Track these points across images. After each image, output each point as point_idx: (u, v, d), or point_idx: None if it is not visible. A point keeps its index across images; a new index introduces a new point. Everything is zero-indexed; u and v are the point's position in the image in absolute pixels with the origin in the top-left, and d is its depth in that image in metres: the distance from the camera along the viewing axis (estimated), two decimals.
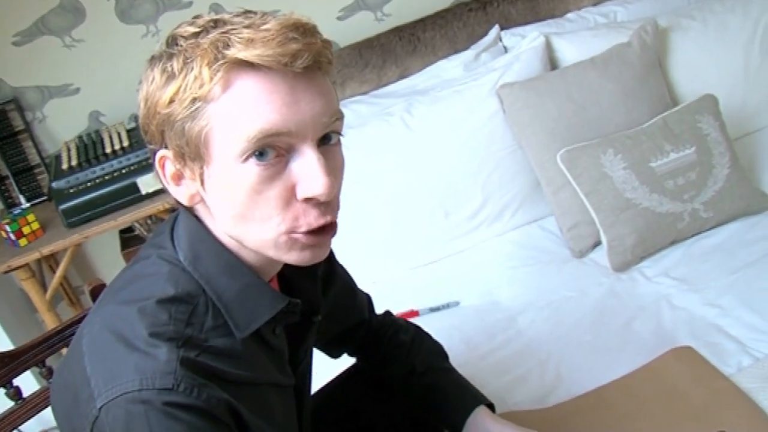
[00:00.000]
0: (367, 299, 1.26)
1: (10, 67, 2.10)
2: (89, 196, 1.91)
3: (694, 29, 2.10)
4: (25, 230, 1.92)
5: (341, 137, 0.80)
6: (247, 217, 0.76)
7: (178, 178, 0.79)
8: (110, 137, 2.05)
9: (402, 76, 2.20)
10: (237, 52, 0.70)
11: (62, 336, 1.19)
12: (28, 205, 2.12)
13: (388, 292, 1.67)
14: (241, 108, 0.72)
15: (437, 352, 1.25)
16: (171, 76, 0.73)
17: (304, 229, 0.76)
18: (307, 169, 0.74)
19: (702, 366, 1.36)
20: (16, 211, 2.00)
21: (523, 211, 1.98)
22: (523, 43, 2.10)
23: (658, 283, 1.65)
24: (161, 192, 1.94)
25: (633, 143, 1.76)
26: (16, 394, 1.19)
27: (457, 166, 1.92)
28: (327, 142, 0.77)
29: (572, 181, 1.76)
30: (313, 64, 0.73)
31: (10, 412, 1.18)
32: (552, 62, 2.10)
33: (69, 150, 2.03)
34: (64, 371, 0.82)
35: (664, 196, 1.73)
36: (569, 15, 2.30)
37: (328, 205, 0.78)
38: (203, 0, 2.18)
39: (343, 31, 2.27)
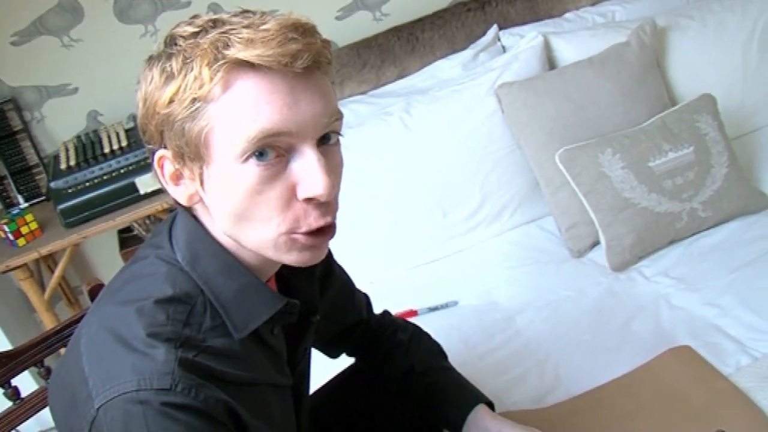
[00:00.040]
0: (366, 299, 1.26)
1: (8, 66, 2.10)
2: (88, 196, 1.91)
3: (692, 29, 2.10)
4: (24, 230, 1.92)
5: (340, 137, 0.80)
6: (246, 218, 0.76)
7: (177, 178, 0.79)
8: (108, 137, 2.04)
9: (400, 76, 2.20)
10: (237, 52, 0.70)
11: (61, 336, 1.19)
12: (26, 205, 2.12)
13: (386, 292, 1.67)
14: (242, 108, 0.72)
15: (436, 351, 1.25)
16: (170, 76, 0.73)
17: (304, 229, 0.76)
18: (307, 169, 0.74)
19: (700, 365, 1.36)
20: (15, 211, 2.00)
21: (522, 210, 1.98)
22: (522, 43, 2.10)
23: (657, 282, 1.65)
24: (160, 192, 1.94)
25: (631, 143, 1.76)
26: (14, 394, 1.19)
27: (455, 165, 1.92)
28: (326, 142, 0.77)
29: (571, 180, 1.76)
30: (312, 64, 0.73)
31: (8, 413, 1.17)
32: (550, 62, 2.09)
33: (67, 150, 2.03)
34: (62, 371, 0.82)
35: (663, 196, 1.73)
36: (568, 15, 2.30)
37: (328, 205, 0.78)
38: (201, 0, 2.18)
39: (341, 30, 2.27)
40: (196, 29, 0.74)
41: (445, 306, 1.75)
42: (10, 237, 1.90)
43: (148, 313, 0.76)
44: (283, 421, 0.91)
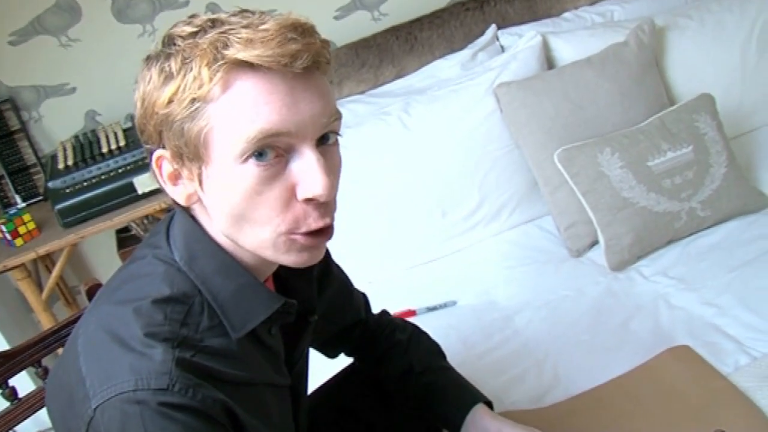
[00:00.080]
0: (364, 299, 1.26)
1: (6, 66, 2.10)
2: (85, 196, 1.91)
3: (691, 28, 2.10)
4: (21, 230, 1.92)
5: (339, 137, 0.80)
6: (245, 218, 0.76)
7: (176, 177, 0.79)
8: (106, 137, 2.04)
9: (399, 76, 2.20)
10: (236, 52, 0.70)
11: (58, 336, 1.18)
12: (24, 204, 2.12)
13: (385, 292, 1.67)
14: (241, 108, 0.71)
15: (435, 351, 1.25)
16: (169, 76, 0.73)
17: (303, 230, 0.76)
18: (306, 170, 0.74)
19: (699, 365, 1.36)
20: (12, 210, 2.00)
21: (520, 210, 1.98)
22: (520, 43, 2.10)
23: (656, 282, 1.65)
24: (158, 192, 1.93)
25: (630, 142, 1.76)
26: (11, 394, 1.19)
27: (454, 165, 1.92)
28: (325, 142, 0.77)
29: (569, 180, 1.76)
30: (312, 64, 0.73)
31: (5, 413, 1.17)
32: (549, 61, 2.09)
33: (65, 150, 2.03)
34: (59, 371, 0.82)
35: (662, 195, 1.73)
36: (566, 14, 2.30)
37: (327, 206, 0.78)
38: None
39: (339, 30, 2.27)
40: (195, 29, 0.74)
41: (444, 306, 1.75)
42: (8, 237, 1.90)
43: (145, 313, 0.76)
44: (281, 421, 0.91)
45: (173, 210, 0.86)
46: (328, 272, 1.12)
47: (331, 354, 1.26)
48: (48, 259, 2.23)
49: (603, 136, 1.80)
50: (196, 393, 0.72)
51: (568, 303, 1.66)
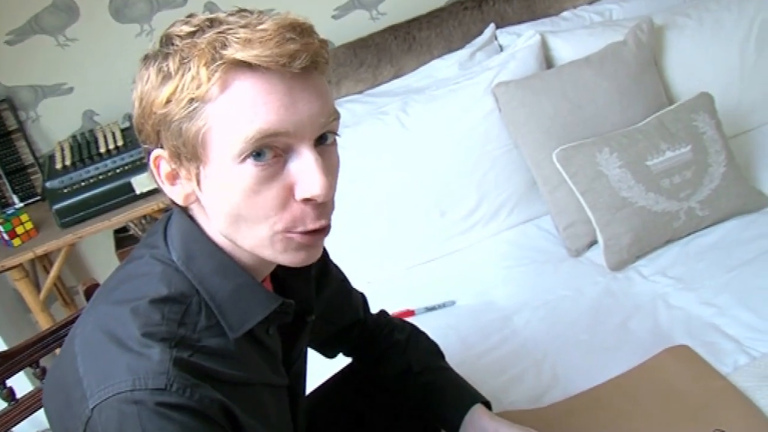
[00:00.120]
0: (362, 299, 1.25)
1: (3, 66, 2.09)
2: (83, 196, 1.90)
3: (689, 27, 2.10)
4: (19, 230, 1.91)
5: (337, 137, 0.80)
6: (243, 218, 0.76)
7: (173, 177, 0.79)
8: (104, 137, 2.04)
9: (397, 75, 2.20)
10: (235, 52, 0.70)
11: (56, 336, 1.18)
12: (21, 205, 2.11)
13: (383, 292, 1.67)
14: (239, 109, 0.71)
15: (433, 351, 1.25)
16: (167, 76, 0.73)
17: (299, 229, 0.76)
18: (305, 170, 0.74)
19: (698, 365, 1.36)
20: (10, 211, 1.99)
21: (519, 210, 1.97)
22: (519, 42, 2.10)
23: (655, 282, 1.65)
24: (156, 192, 1.93)
25: (629, 142, 1.76)
26: (9, 395, 1.18)
27: (452, 165, 1.91)
28: (323, 142, 0.77)
29: (568, 179, 1.76)
30: (310, 64, 0.73)
31: (3, 414, 1.17)
32: (547, 61, 2.09)
33: (63, 149, 2.02)
34: (56, 372, 0.82)
35: (660, 195, 1.72)
36: (565, 13, 2.30)
37: (325, 206, 0.78)
38: None
39: (337, 30, 2.26)
40: (193, 28, 0.74)
41: (443, 306, 1.75)
42: (5, 237, 1.89)
43: (143, 313, 0.75)
44: (279, 421, 0.91)
45: (171, 210, 0.86)
46: (326, 272, 1.12)
47: (330, 354, 1.26)
48: (46, 260, 2.22)
49: (602, 136, 1.80)
50: (193, 393, 0.72)
51: (567, 303, 1.66)
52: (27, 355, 1.17)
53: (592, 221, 1.75)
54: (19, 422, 1.18)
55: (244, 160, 0.72)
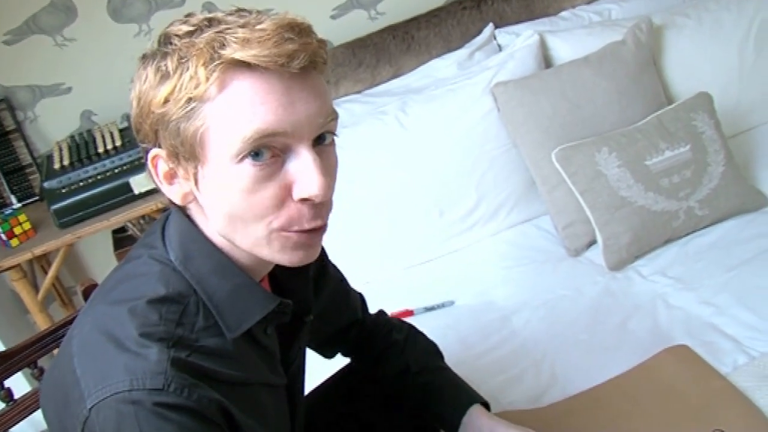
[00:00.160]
0: (361, 299, 1.25)
1: (1, 66, 2.09)
2: (81, 196, 1.90)
3: (688, 27, 2.10)
4: (17, 230, 1.91)
5: (335, 137, 0.80)
6: (240, 217, 0.76)
7: (171, 177, 0.79)
8: (102, 137, 2.03)
9: (396, 75, 2.19)
10: (233, 52, 0.70)
11: (54, 337, 1.18)
12: (19, 205, 2.11)
13: (382, 292, 1.67)
14: (237, 108, 0.71)
15: (432, 351, 1.25)
16: (165, 76, 0.73)
17: (295, 228, 0.76)
18: (303, 170, 0.74)
19: (698, 365, 1.35)
20: (8, 211, 1.99)
21: (518, 210, 1.97)
22: (518, 42, 2.10)
23: (654, 281, 1.65)
24: (154, 192, 1.93)
25: (628, 141, 1.76)
26: (7, 395, 1.18)
27: (451, 165, 1.91)
28: (321, 142, 0.77)
29: (567, 179, 1.76)
30: (308, 64, 0.73)
31: (1, 414, 1.17)
32: (546, 60, 2.09)
33: (61, 150, 2.02)
34: (54, 372, 0.82)
35: (659, 195, 1.72)
36: (564, 13, 2.30)
37: (322, 206, 0.78)
38: None
39: (336, 29, 2.26)
40: (191, 28, 0.73)
41: (442, 306, 1.75)
42: (3, 237, 1.89)
43: (140, 313, 0.75)
44: (277, 421, 0.91)
45: (169, 210, 0.86)
46: (324, 272, 1.12)
47: (328, 354, 1.26)
48: (44, 260, 2.22)
49: (601, 135, 1.79)
50: (191, 393, 0.72)
51: (566, 303, 1.66)
52: (25, 355, 1.17)
53: (591, 221, 1.75)
54: (17, 423, 1.18)
55: (242, 159, 0.72)
